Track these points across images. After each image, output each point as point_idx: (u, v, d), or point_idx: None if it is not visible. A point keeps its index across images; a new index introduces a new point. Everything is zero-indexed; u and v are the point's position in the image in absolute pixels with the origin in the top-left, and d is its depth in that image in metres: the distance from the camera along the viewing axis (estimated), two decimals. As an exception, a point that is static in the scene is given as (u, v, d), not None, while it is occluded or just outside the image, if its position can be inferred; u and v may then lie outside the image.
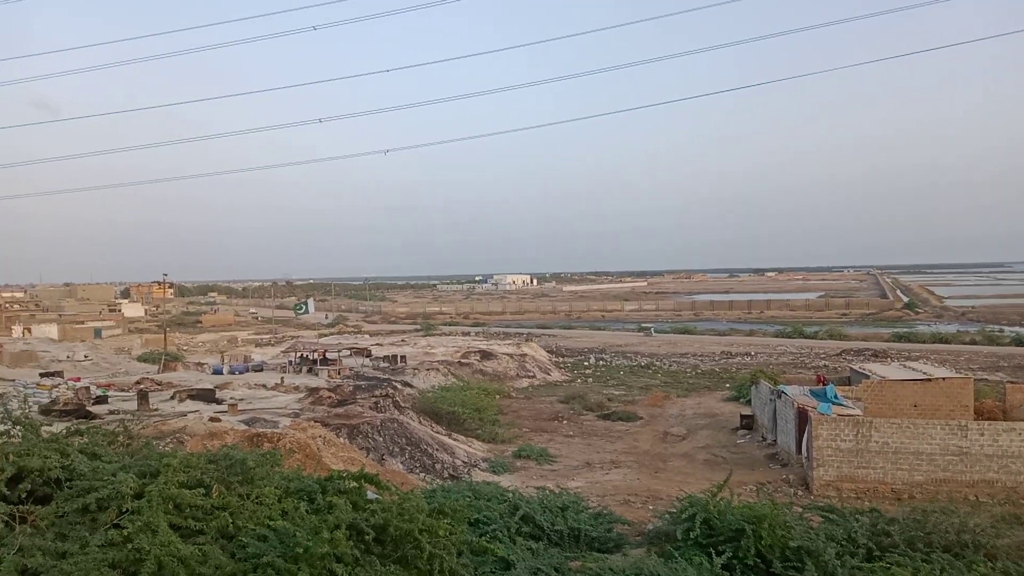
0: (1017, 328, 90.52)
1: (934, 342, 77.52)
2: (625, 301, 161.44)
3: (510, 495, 13.87)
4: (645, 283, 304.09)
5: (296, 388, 42.65)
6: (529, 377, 56.96)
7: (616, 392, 49.84)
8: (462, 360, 57.95)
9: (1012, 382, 43.29)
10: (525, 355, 63.17)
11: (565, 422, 39.87)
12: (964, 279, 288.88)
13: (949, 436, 24.81)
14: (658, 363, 65.49)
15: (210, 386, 41.97)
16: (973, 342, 75.98)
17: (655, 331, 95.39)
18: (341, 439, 27.16)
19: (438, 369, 52.16)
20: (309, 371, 51.94)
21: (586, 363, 66.59)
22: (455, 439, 33.06)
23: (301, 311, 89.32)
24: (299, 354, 57.10)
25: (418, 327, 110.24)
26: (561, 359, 68.86)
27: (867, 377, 33.83)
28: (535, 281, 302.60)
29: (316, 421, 28.69)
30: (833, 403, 28.80)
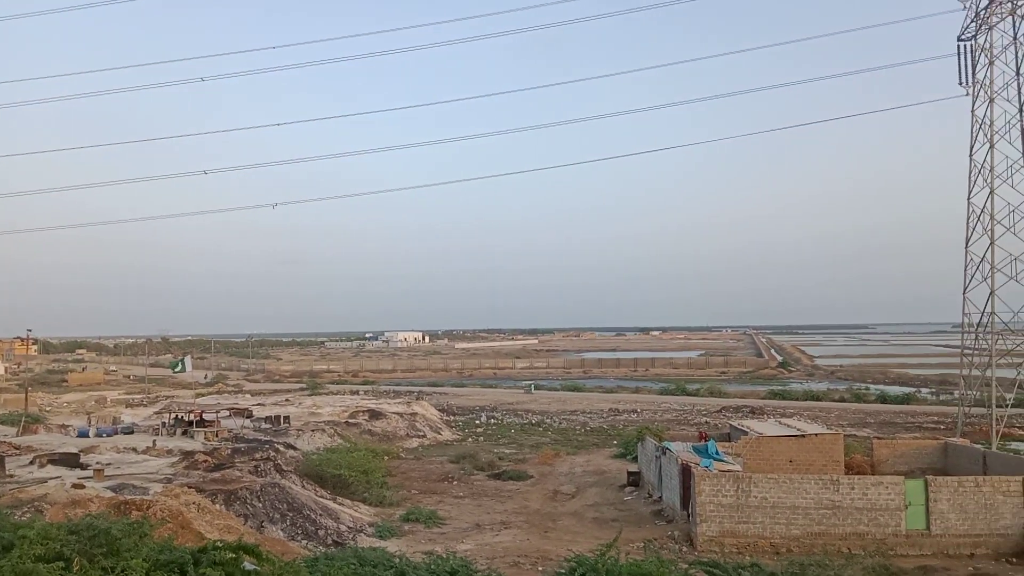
0: (881, 386, 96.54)
1: (806, 399, 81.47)
2: (517, 359, 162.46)
3: (397, 561, 13.49)
4: (536, 341, 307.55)
5: (169, 451, 40.34)
6: (419, 437, 56.03)
7: (507, 451, 49.66)
8: (349, 420, 56.47)
9: (878, 437, 45.96)
10: (415, 414, 62.22)
11: (455, 483, 39.28)
12: (832, 340, 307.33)
13: (822, 490, 25.93)
14: (548, 421, 65.86)
15: (74, 450, 39.17)
16: (842, 399, 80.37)
17: (535, 388, 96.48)
18: (217, 506, 25.74)
19: (324, 430, 50.57)
20: (184, 433, 49.28)
21: (477, 421, 66.21)
22: (340, 503, 31.94)
23: (177, 369, 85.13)
24: (174, 415, 54.15)
25: (304, 386, 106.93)
26: (452, 418, 68.21)
27: (746, 433, 35.15)
28: (427, 338, 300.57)
29: (190, 487, 27.11)
30: (715, 459, 29.71)
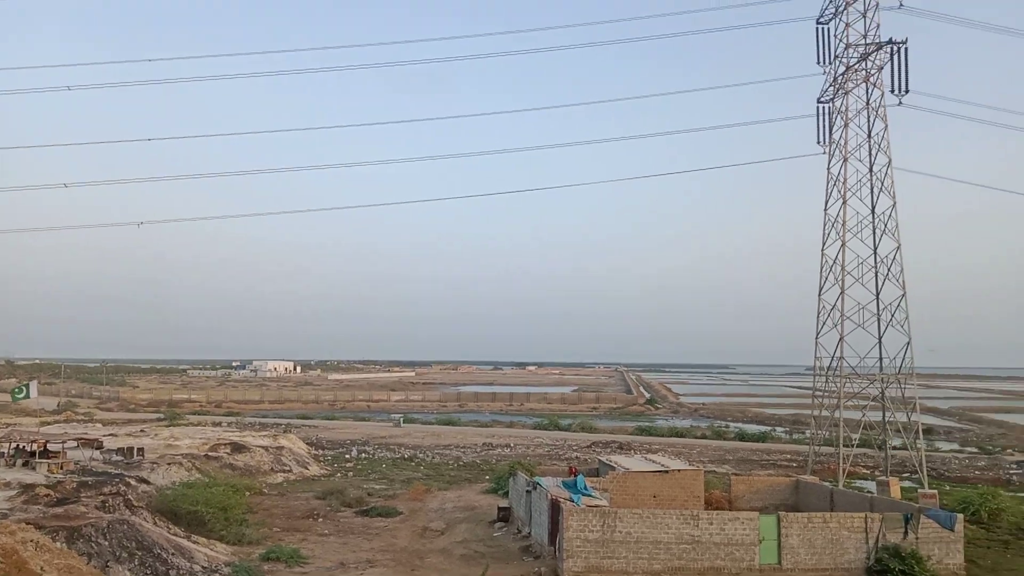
0: (740, 424, 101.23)
1: (671, 436, 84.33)
2: (392, 391, 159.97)
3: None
4: (413, 373, 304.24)
5: (7, 484, 36.97)
6: (285, 472, 53.92)
7: (377, 486, 48.56)
8: (210, 453, 53.65)
9: (736, 474, 48.03)
10: (282, 448, 59.89)
11: (321, 519, 37.97)
12: (696, 378, 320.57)
13: (683, 525, 26.75)
14: (421, 455, 65.01)
15: None
16: (704, 436, 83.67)
17: (404, 421, 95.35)
18: (58, 544, 23.73)
19: (181, 463, 47.76)
20: (25, 464, 45.34)
21: (348, 456, 64.48)
22: (195, 542, 30.15)
23: (21, 395, 78.49)
24: (14, 444, 49.79)
25: (161, 416, 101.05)
26: (321, 452, 66.12)
27: (613, 468, 35.89)
28: (299, 368, 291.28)
29: (28, 523, 24.87)
30: (583, 494, 30.10)
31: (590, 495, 30.30)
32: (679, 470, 35.40)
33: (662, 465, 36.51)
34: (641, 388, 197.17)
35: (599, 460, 43.70)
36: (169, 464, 46.82)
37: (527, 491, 33.36)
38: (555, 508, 28.24)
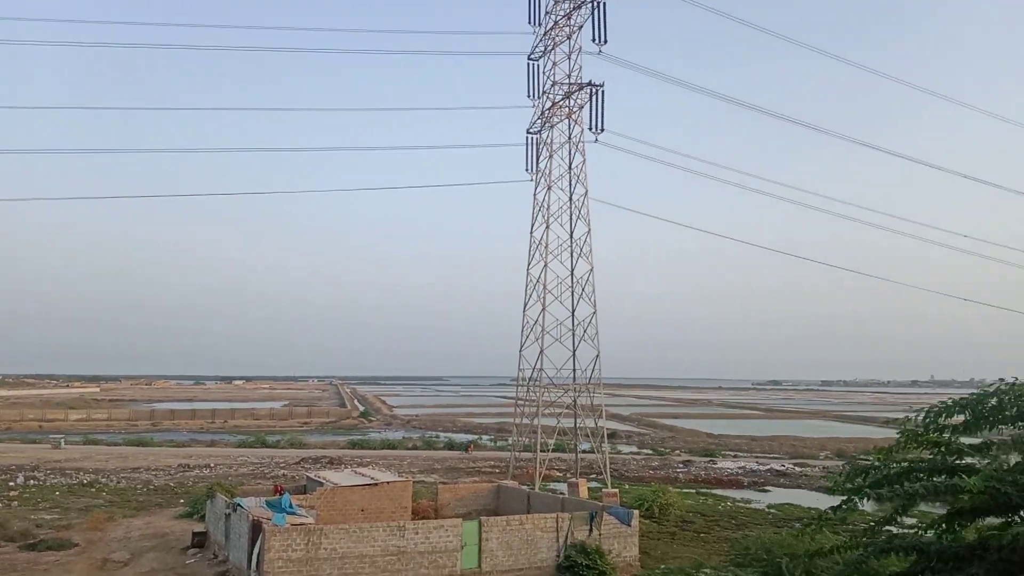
0: (450, 434, 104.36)
1: (384, 448, 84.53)
2: (71, 409, 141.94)
3: None
4: (98, 389, 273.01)
5: None
6: (-76, 505, 45.37)
7: (48, 516, 42.65)
8: None
9: (444, 483, 49.25)
10: (-79, 477, 50.40)
11: (-29, 559, 32.45)
12: (411, 390, 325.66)
13: (389, 537, 26.82)
14: (104, 480, 58.36)
15: None
16: (415, 447, 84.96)
17: (65, 443, 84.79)
18: None
19: None
20: None
21: (12, 483, 55.92)
22: None
23: None
24: None
25: None
26: (-25, 480, 56.65)
27: (321, 484, 35.02)
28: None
29: None
30: (288, 513, 28.99)
31: (295, 513, 29.28)
32: (388, 482, 35.51)
33: (371, 478, 36.37)
34: (355, 401, 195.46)
35: (307, 476, 42.43)
36: None
37: (226, 513, 31.35)
38: (256, 529, 26.84)
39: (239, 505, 30.28)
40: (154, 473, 63.04)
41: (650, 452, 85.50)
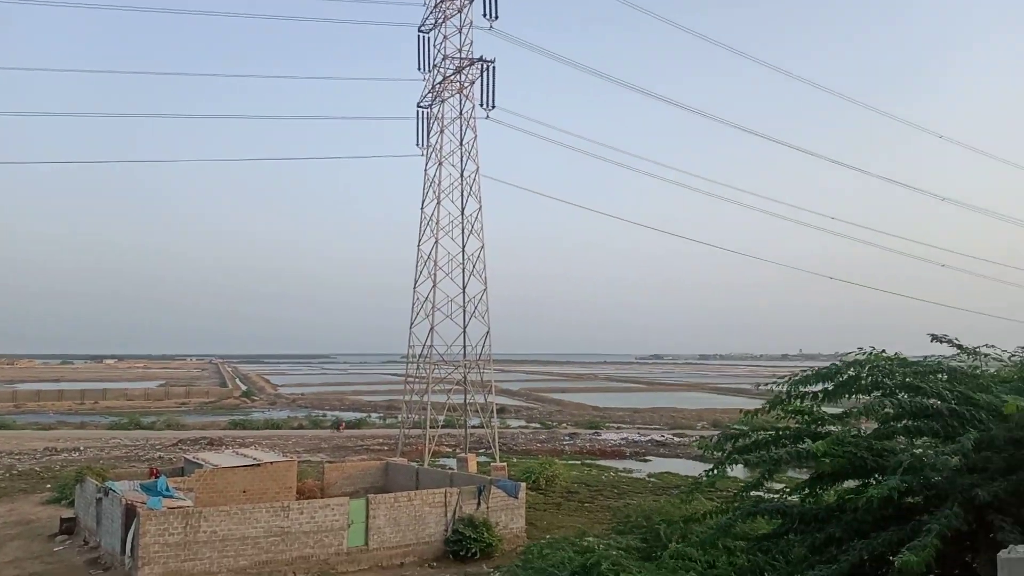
0: (338, 412, 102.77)
1: (267, 428, 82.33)
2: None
3: None
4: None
5: None
6: None
7: None
8: None
9: (330, 461, 48.58)
10: None
11: None
12: (297, 369, 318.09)
13: (273, 518, 26.23)
14: (-42, 467, 54.30)
15: None
16: (301, 426, 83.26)
17: None
18: None
19: None
20: None
21: None
22: None
23: None
24: None
25: None
26: None
27: (200, 466, 33.83)
28: None
29: None
30: (164, 496, 27.87)
31: (172, 496, 28.18)
32: (271, 463, 34.70)
33: (254, 459, 35.43)
34: (237, 380, 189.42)
35: (185, 459, 40.84)
36: None
37: (97, 498, 29.82)
38: (130, 513, 25.68)
39: (111, 489, 28.85)
40: (17, 457, 59.13)
41: (538, 426, 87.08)
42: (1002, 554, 4.72)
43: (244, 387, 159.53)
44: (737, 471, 8.82)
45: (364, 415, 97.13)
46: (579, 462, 56.71)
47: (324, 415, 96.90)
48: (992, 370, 8.69)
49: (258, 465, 33.80)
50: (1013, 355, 9.01)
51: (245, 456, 36.77)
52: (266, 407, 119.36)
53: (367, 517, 27.81)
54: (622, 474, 51.86)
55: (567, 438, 73.74)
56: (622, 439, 72.39)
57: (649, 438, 73.06)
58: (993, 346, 9.00)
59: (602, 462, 57.93)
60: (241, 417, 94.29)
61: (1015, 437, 6.80)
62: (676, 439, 71.94)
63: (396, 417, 79.96)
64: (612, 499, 41.23)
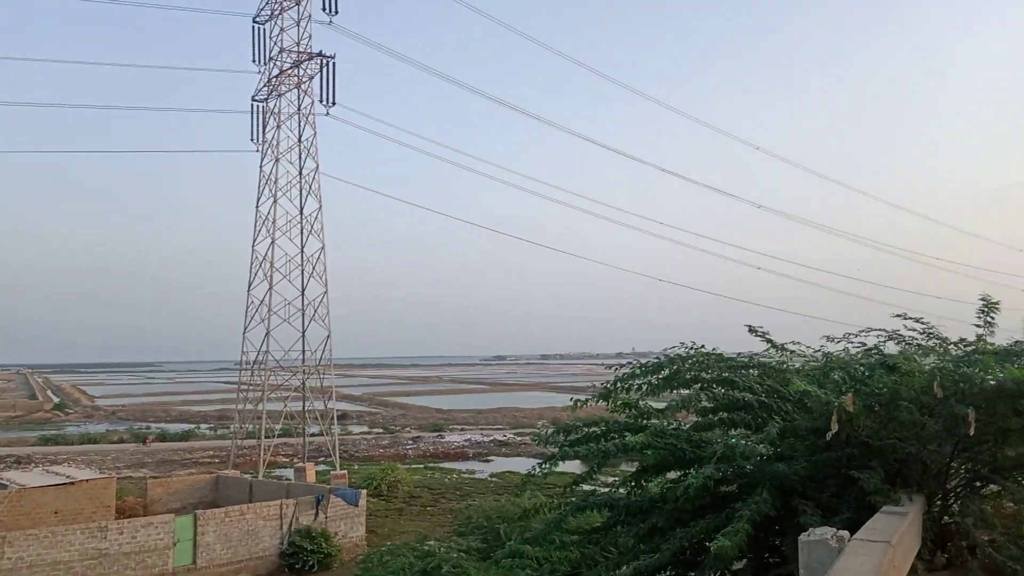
0: (163, 424, 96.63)
1: (83, 443, 76.14)
2: None
3: None
4: None
5: None
6: None
7: None
8: None
9: (155, 477, 45.56)
10: None
11: None
12: (117, 378, 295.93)
13: (89, 540, 24.27)
14: None
15: None
16: (121, 440, 77.58)
17: None
18: None
19: None
20: None
21: None
22: None
23: None
24: None
25: None
26: None
27: (5, 487, 30.70)
28: None
29: None
30: (-43, 523, 25.07)
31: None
32: (86, 480, 32.01)
33: (67, 477, 32.56)
34: (48, 392, 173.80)
35: (-15, 479, 36.95)
36: None
37: None
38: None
39: None
40: None
41: (381, 431, 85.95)
42: (802, 536, 5.06)
43: (56, 399, 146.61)
44: (576, 465, 9.05)
45: (193, 426, 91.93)
46: (422, 466, 56.51)
47: (148, 428, 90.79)
48: (797, 365, 9.42)
49: (72, 483, 31.08)
50: (816, 351, 9.80)
51: (57, 474, 33.72)
52: (82, 420, 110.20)
53: (195, 534, 26.31)
54: (465, 476, 52.17)
55: (410, 442, 73.28)
56: (465, 441, 72.87)
57: (492, 438, 74.01)
58: (799, 343, 9.78)
59: (445, 465, 58.03)
60: (53, 432, 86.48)
61: (816, 426, 7.38)
62: (518, 438, 73.29)
63: (229, 428, 76.27)
64: (455, 501, 41.36)
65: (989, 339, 8.70)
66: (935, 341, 9.08)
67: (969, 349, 8.53)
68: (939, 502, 7.90)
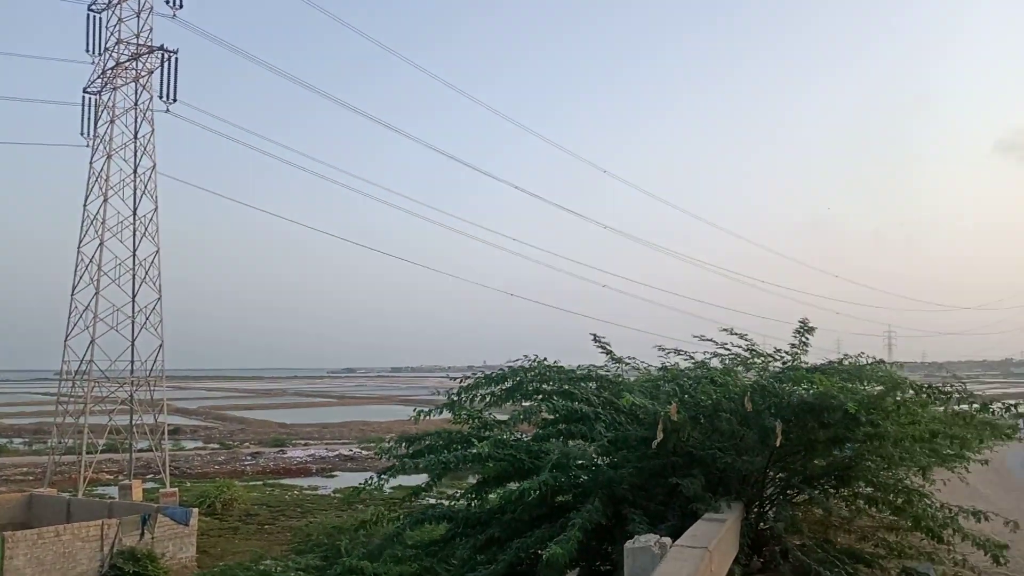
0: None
1: None
2: None
3: None
4: None
5: None
6: None
7: None
8: None
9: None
10: None
11: None
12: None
13: None
14: None
15: None
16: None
17: None
18: None
19: None
20: None
21: None
22: None
23: None
24: None
25: None
26: None
27: None
28: None
29: None
30: None
31: None
32: None
33: None
34: None
35: None
36: None
37: None
38: None
39: None
40: None
41: (217, 446, 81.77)
42: (628, 544, 5.29)
43: None
44: (425, 478, 9.00)
45: (5, 441, 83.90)
46: (261, 483, 54.25)
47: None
48: (632, 378, 9.86)
49: None
50: (649, 366, 10.31)
51: None
52: None
53: (2, 558, 23.95)
54: (307, 492, 50.57)
55: (249, 458, 70.17)
56: (309, 456, 70.69)
57: (337, 453, 72.22)
58: (634, 357, 10.25)
59: (286, 481, 55.99)
60: None
61: (645, 436, 7.75)
62: (364, 453, 71.91)
63: (46, 442, 70.14)
64: (295, 519, 39.96)
65: (804, 358, 9.47)
66: (760, 359, 9.78)
67: (785, 366, 9.25)
68: (756, 509, 8.47)
